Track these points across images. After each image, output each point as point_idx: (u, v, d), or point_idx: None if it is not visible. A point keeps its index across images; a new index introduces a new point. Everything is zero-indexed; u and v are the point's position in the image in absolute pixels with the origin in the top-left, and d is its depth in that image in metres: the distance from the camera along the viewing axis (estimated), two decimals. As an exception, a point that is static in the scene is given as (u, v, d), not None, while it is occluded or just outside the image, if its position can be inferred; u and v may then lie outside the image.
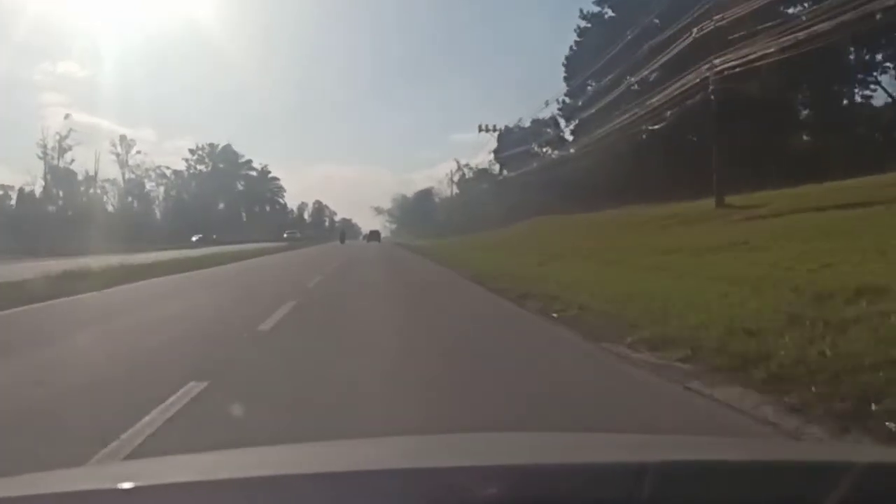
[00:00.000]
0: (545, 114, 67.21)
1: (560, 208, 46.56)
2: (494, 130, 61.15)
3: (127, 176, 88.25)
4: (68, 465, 2.04)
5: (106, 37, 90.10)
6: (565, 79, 55.97)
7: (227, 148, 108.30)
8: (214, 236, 70.30)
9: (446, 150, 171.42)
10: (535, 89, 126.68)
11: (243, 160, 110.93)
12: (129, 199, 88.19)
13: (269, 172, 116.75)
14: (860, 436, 3.50)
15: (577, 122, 52.67)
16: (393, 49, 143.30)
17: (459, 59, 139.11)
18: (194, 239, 65.34)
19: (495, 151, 76.29)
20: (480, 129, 60.81)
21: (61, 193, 74.86)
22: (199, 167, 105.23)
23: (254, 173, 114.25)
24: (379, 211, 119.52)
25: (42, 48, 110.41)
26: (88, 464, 3.02)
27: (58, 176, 74.34)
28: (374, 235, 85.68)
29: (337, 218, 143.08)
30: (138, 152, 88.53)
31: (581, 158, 44.74)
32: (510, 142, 69.89)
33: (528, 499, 1.11)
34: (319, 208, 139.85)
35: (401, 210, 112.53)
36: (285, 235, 74.47)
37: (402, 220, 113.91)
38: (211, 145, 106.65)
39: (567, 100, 56.29)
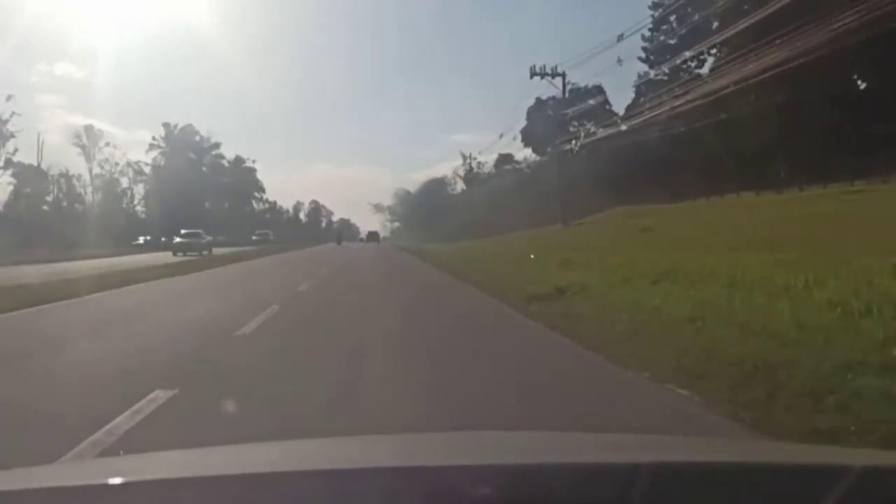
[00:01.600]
0: (585, 80, 54.52)
1: (643, 195, 33.94)
2: (554, 76, 42.48)
3: (95, 171, 73.92)
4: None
5: (104, 38, 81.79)
6: (653, 4, 40.95)
7: (188, 129, 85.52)
8: (164, 238, 55.24)
9: (446, 149, 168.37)
10: (535, 88, 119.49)
11: (209, 144, 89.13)
12: (99, 195, 74.55)
13: (245, 161, 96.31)
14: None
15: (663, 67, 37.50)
16: (393, 49, 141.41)
17: (459, 59, 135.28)
18: (140, 241, 52.65)
19: (523, 132, 63.51)
20: (533, 75, 42.95)
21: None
22: (151, 154, 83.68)
23: (224, 162, 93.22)
24: (378, 208, 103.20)
25: (39, 49, 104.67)
26: (78, 460, 2.57)
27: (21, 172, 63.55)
28: (373, 237, 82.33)
29: (335, 218, 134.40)
30: (107, 144, 73.93)
31: (674, 122, 31.64)
32: (541, 119, 57.29)
33: (521, 498, 1.09)
34: (316, 208, 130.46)
35: (404, 206, 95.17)
36: (177, 240, 40.67)
37: (406, 219, 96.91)
38: (166, 125, 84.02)
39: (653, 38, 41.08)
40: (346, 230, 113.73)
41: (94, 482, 1.22)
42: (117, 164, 75.96)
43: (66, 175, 68.99)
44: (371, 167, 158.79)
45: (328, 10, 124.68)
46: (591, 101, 54.39)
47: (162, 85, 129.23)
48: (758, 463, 1.32)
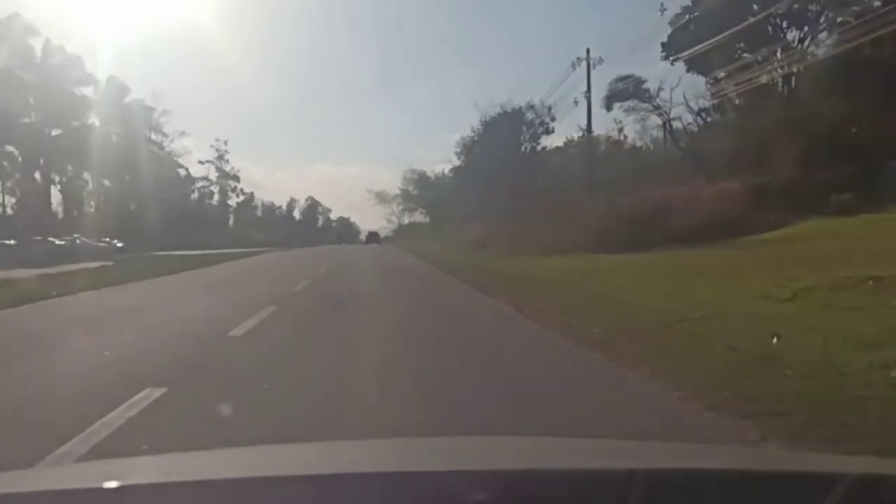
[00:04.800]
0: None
1: None
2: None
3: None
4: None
5: (104, 38, 77.30)
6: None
7: (15, 21, 44.35)
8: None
9: (447, 149, 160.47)
10: (536, 89, 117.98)
11: (74, 58, 48.14)
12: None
13: (130, 91, 54.99)
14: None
15: None
16: (393, 49, 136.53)
17: (459, 59, 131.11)
18: None
19: (672, 37, 32.80)
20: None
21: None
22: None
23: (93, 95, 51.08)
24: (381, 198, 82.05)
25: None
26: (75, 463, 2.62)
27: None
28: (373, 237, 74.93)
29: (333, 216, 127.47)
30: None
31: None
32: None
33: None
34: (312, 205, 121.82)
35: (424, 190, 71.97)
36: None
37: (430, 204, 71.19)
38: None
39: None
40: (345, 231, 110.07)
41: (88, 485, 1.21)
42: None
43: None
44: (370, 166, 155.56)
45: (327, 11, 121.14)
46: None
47: (162, 84, 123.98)
48: (754, 470, 1.31)
